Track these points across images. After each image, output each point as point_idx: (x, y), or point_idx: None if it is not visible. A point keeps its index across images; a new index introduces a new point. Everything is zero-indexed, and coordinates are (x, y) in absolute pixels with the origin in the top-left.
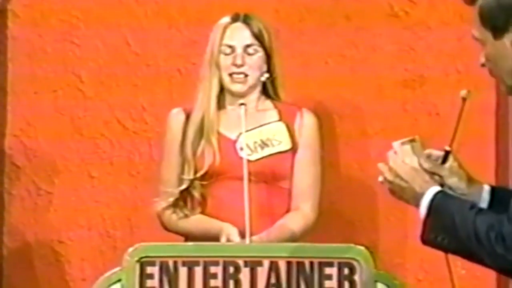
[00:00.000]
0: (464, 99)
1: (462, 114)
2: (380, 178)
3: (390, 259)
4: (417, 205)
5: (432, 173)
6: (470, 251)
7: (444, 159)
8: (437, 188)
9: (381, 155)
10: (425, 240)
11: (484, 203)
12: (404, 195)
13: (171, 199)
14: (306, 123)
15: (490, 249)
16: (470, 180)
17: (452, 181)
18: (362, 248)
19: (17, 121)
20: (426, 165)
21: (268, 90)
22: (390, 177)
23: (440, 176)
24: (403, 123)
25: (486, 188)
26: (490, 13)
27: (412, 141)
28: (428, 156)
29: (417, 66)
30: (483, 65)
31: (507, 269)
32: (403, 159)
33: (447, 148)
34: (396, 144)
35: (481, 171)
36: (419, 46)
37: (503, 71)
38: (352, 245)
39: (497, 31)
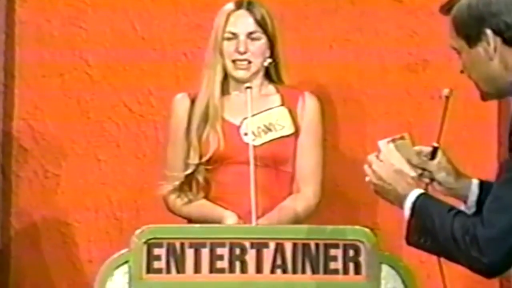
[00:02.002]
0: (447, 97)
1: (446, 112)
2: (368, 178)
3: (393, 241)
4: (401, 206)
5: (421, 169)
6: (449, 253)
7: (433, 155)
8: (419, 191)
9: (384, 138)
10: (409, 242)
11: (473, 196)
12: (388, 196)
13: (177, 183)
14: (308, 106)
15: (466, 252)
16: (459, 175)
17: (440, 176)
18: (367, 230)
19: (24, 105)
20: (415, 161)
21: (271, 74)
22: (374, 179)
23: (429, 172)
24: (406, 106)
25: (475, 182)
26: (463, 23)
27: (401, 138)
28: (419, 153)
29: (421, 50)
30: (462, 71)
31: (483, 271)
32: (387, 160)
33: (435, 145)
34: (381, 143)
35: (483, 154)
36: (423, 30)
37: (479, 77)
38: (357, 227)
39: (471, 40)
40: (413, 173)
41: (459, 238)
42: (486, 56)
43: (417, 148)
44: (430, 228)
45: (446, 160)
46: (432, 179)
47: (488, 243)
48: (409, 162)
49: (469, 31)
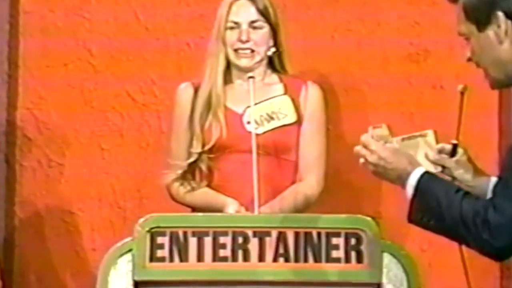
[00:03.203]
0: (462, 93)
1: (463, 108)
2: (362, 160)
3: (395, 229)
4: (403, 185)
5: (440, 166)
6: (456, 234)
7: (453, 152)
8: (422, 169)
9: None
10: (411, 220)
11: (491, 193)
12: (389, 176)
13: (180, 172)
14: (311, 95)
15: (477, 235)
16: (477, 172)
17: (458, 173)
18: (368, 218)
19: (28, 94)
20: (432, 157)
21: (274, 64)
22: (373, 160)
23: (447, 168)
24: (407, 96)
25: (493, 179)
26: (473, 6)
27: (422, 136)
28: (441, 151)
29: (422, 40)
30: (469, 59)
31: (493, 254)
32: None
33: (454, 142)
34: (396, 139)
35: (484, 145)
36: (424, 20)
37: (488, 62)
38: (359, 215)
39: (481, 24)
40: (432, 169)
41: (469, 220)
42: (496, 39)
43: (439, 146)
44: (435, 208)
45: (466, 158)
46: (451, 177)
47: (500, 228)
48: (427, 158)
49: (479, 14)
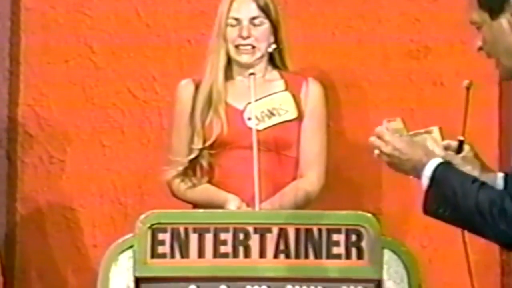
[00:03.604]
0: (467, 89)
1: (468, 103)
2: (376, 151)
3: (395, 226)
4: (418, 176)
5: None
6: (472, 224)
7: (459, 148)
8: (439, 160)
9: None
10: (426, 211)
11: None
12: (404, 167)
13: (181, 168)
14: (312, 92)
15: (493, 225)
16: (484, 169)
17: (465, 169)
18: (369, 215)
19: (30, 91)
20: (438, 153)
21: (275, 60)
22: (388, 150)
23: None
24: (408, 92)
25: (500, 175)
26: None
27: (428, 132)
28: (447, 147)
29: (422, 37)
30: (479, 49)
31: (509, 244)
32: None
33: (460, 138)
34: (413, 133)
35: (484, 141)
36: (425, 17)
37: (501, 51)
38: (359, 212)
39: (494, 12)
40: None
41: (486, 211)
42: (509, 27)
43: (445, 142)
44: (451, 198)
45: (473, 154)
46: None
47: None
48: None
49: (492, 2)
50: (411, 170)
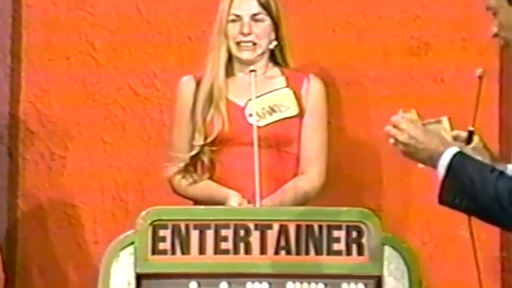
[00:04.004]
0: (480, 78)
1: (480, 93)
2: (392, 140)
3: (396, 222)
4: (434, 165)
5: None
6: (490, 214)
7: (469, 139)
8: (456, 149)
9: (388, 120)
10: (442, 201)
11: None
12: (420, 155)
13: (182, 164)
14: (313, 89)
15: None
16: (494, 160)
17: None
18: (369, 211)
19: (31, 88)
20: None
21: (276, 57)
22: (404, 139)
23: None
24: (408, 89)
25: (510, 167)
26: None
27: (438, 122)
28: (456, 137)
29: (423, 34)
30: (495, 35)
31: None
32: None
33: (470, 128)
34: (424, 122)
35: (484, 136)
36: (425, 14)
37: None
38: (360, 208)
39: None
40: None
41: (505, 200)
42: None
43: (454, 133)
44: (468, 187)
45: (483, 145)
46: None
47: None
48: None
49: None
50: (426, 159)
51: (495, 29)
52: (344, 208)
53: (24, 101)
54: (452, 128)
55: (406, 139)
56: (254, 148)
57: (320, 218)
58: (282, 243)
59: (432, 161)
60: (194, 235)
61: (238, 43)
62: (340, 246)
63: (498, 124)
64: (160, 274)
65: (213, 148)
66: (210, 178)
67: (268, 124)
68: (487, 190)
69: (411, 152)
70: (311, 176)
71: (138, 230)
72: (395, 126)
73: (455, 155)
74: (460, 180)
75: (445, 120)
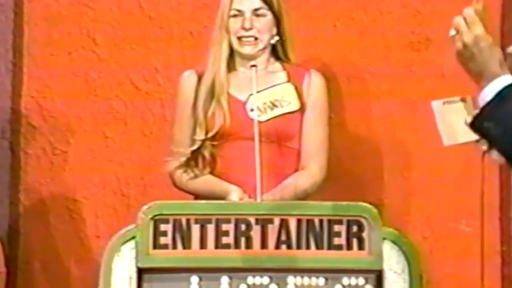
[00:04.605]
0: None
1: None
2: (453, 32)
3: (396, 217)
4: (481, 83)
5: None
6: None
7: None
8: (511, 78)
9: (388, 115)
10: (475, 124)
11: None
12: (473, 65)
13: (183, 159)
14: (314, 84)
15: None
16: None
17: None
18: (370, 206)
19: (33, 83)
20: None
21: (278, 52)
22: (468, 40)
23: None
24: (409, 84)
25: None
26: None
27: (462, 100)
28: None
29: (423, 29)
30: None
31: None
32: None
33: None
34: (435, 103)
35: None
36: (426, 9)
37: None
38: (360, 203)
39: None
40: (473, 136)
41: None
42: None
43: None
44: (508, 119)
45: None
46: (490, 148)
47: None
48: (466, 124)
49: None
50: (477, 73)
51: None
52: (344, 203)
53: (26, 96)
54: (475, 108)
55: (470, 41)
56: (255, 143)
57: (320, 213)
58: (283, 237)
59: (481, 78)
60: (195, 229)
61: (239, 38)
62: (341, 240)
63: None
64: (162, 268)
65: (214, 143)
66: (211, 172)
67: (269, 119)
68: None
69: (466, 57)
70: (312, 171)
71: (139, 224)
72: (466, 22)
73: (510, 85)
74: (505, 110)
75: (469, 99)
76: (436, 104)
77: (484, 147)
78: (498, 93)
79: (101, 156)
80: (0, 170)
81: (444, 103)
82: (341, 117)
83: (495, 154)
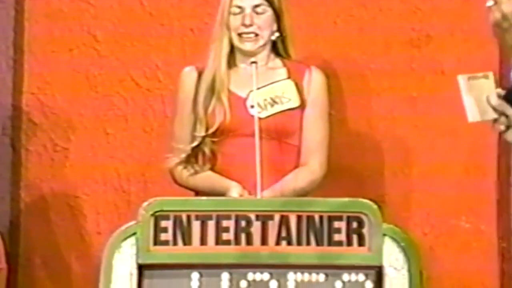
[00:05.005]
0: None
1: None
2: (490, 3)
3: (397, 213)
4: None
5: (500, 113)
6: None
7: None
8: None
9: (388, 112)
10: (509, 97)
11: None
12: (510, 38)
13: (183, 155)
14: (314, 80)
15: None
16: None
17: None
18: (370, 202)
19: (34, 79)
20: (494, 101)
21: (278, 48)
22: (507, 9)
23: (507, 116)
24: (409, 81)
25: None
26: None
27: (485, 77)
28: (499, 95)
29: (424, 26)
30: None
31: None
32: None
33: None
34: (461, 77)
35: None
36: (426, 6)
37: None
38: (361, 199)
39: None
40: (494, 115)
41: None
42: None
43: (497, 90)
44: None
45: None
46: (508, 127)
47: None
48: (488, 102)
49: None
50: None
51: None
52: (344, 199)
53: (27, 93)
54: (496, 85)
55: (510, 11)
56: (255, 139)
57: (321, 209)
58: (283, 233)
59: None
60: (196, 226)
61: (240, 35)
62: (341, 236)
63: None
64: (162, 264)
65: (215, 139)
66: (212, 169)
67: (269, 116)
68: None
69: (503, 28)
70: (312, 167)
71: (140, 221)
72: None
73: None
74: None
75: (491, 76)
76: (462, 79)
77: (502, 127)
78: None
79: (102, 153)
80: (1, 167)
81: (469, 78)
82: (341, 114)
83: (511, 136)
